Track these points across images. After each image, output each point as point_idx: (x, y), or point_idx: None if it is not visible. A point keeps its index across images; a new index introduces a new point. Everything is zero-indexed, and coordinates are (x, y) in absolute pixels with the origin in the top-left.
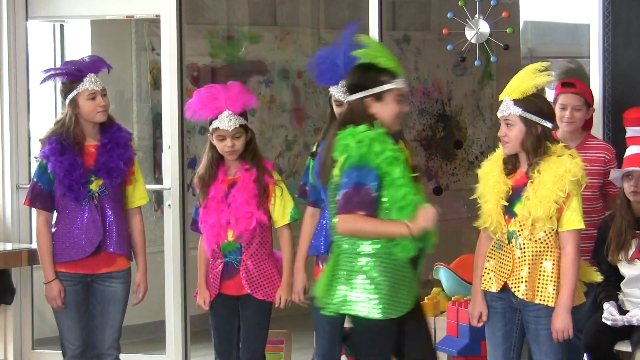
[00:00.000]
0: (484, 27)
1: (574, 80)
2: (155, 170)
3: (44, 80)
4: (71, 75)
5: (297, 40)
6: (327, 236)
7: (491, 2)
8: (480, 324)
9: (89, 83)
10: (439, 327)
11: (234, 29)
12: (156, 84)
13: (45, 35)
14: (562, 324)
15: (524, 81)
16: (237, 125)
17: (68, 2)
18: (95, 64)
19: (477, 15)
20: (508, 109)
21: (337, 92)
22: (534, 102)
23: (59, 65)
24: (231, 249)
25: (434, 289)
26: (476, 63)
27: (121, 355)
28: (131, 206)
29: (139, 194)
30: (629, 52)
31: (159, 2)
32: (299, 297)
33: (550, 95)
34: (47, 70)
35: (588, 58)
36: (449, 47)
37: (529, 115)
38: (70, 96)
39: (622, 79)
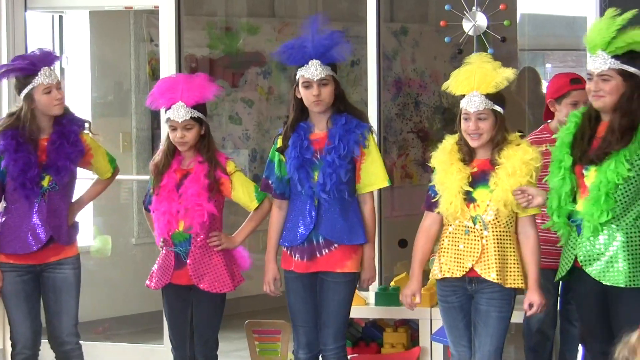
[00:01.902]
0: (482, 19)
1: (577, 75)
2: None
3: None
4: (25, 70)
5: (296, 32)
6: (306, 226)
7: None
8: (413, 307)
9: (44, 77)
10: (435, 317)
11: (232, 21)
12: (154, 75)
13: (44, 26)
14: (540, 298)
15: (488, 74)
16: (188, 117)
17: None
18: (47, 57)
19: (474, 8)
20: (482, 103)
21: (306, 71)
22: (500, 94)
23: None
24: (181, 239)
25: (431, 279)
26: None
27: (121, 344)
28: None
29: (102, 170)
30: None
31: None
32: (270, 287)
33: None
34: (1, 66)
35: (585, 50)
36: (446, 39)
37: (497, 107)
38: (26, 91)
39: None
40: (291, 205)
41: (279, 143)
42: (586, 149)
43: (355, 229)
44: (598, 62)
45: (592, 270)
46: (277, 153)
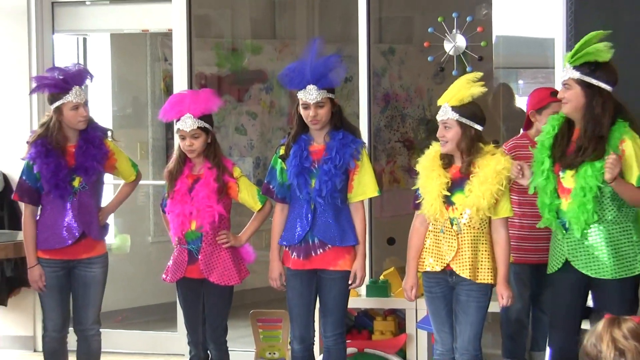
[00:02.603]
0: (461, 40)
1: (557, 89)
2: None
3: (34, 91)
4: (58, 87)
5: (294, 52)
6: (302, 227)
7: (467, 18)
8: (414, 298)
9: (74, 96)
10: (420, 307)
11: (237, 42)
12: (168, 90)
13: (69, 47)
14: (508, 291)
15: (461, 90)
16: (195, 127)
17: (90, 17)
18: (80, 76)
19: (454, 30)
20: (447, 113)
21: (304, 95)
22: (469, 108)
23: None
24: (194, 237)
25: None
26: (454, 73)
27: (137, 332)
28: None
29: (126, 173)
30: None
31: (171, 17)
32: (276, 283)
33: (521, 101)
34: (37, 78)
35: (553, 69)
36: (429, 58)
37: (464, 120)
38: (56, 104)
39: None
40: (290, 208)
41: (282, 151)
42: (565, 149)
43: (347, 232)
44: (563, 73)
45: (581, 264)
46: (279, 161)
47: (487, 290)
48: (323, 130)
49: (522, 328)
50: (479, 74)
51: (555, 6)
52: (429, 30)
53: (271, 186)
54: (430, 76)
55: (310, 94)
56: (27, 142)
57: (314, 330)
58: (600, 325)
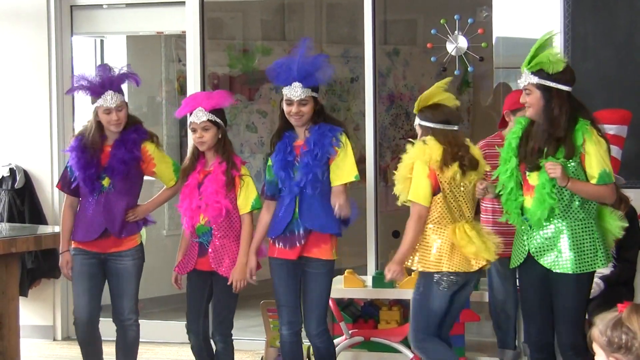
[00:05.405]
0: (463, 41)
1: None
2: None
3: (69, 92)
4: (92, 90)
5: None
6: (283, 220)
7: (469, 20)
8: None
9: (104, 100)
10: None
11: (248, 43)
12: (182, 90)
13: (87, 48)
14: (392, 265)
15: (422, 99)
16: (205, 119)
17: (107, 20)
18: (119, 80)
19: (456, 32)
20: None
21: (289, 91)
22: (426, 113)
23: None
24: (204, 230)
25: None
26: (456, 72)
27: (151, 321)
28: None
29: (166, 178)
30: (586, 65)
31: (185, 20)
32: (250, 275)
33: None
34: (77, 78)
35: None
36: (432, 58)
37: (424, 123)
38: (93, 107)
39: (580, 88)
40: (278, 202)
41: (271, 149)
42: (530, 150)
43: (329, 221)
44: (522, 78)
45: (544, 260)
46: (269, 159)
47: (422, 279)
48: (304, 127)
49: (507, 319)
50: (448, 79)
51: (553, 8)
52: (432, 32)
53: (264, 183)
54: (433, 76)
55: (294, 91)
56: (72, 135)
57: (301, 315)
58: (624, 315)
